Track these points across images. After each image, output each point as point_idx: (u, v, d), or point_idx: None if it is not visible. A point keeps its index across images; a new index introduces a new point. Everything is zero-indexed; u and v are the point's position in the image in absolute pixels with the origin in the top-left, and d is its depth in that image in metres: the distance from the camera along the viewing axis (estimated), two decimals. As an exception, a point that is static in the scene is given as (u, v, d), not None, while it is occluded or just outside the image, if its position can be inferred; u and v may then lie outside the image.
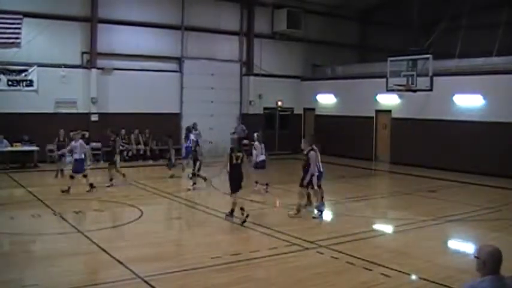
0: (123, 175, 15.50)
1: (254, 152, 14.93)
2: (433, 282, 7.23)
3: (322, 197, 11.87)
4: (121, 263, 7.84)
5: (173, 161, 17.36)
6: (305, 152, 11.57)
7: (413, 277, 7.66)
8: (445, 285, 7.09)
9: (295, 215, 11.28)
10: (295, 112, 26.31)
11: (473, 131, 18.63)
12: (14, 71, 19.02)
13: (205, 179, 15.00)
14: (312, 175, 11.31)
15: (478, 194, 15.39)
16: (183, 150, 17.30)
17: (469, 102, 19.09)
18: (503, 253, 3.70)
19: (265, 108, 25.18)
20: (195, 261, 8.09)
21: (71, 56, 20.24)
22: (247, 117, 24.38)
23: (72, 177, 13.80)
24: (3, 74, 18.83)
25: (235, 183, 10.85)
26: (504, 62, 18.55)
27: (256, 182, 14.56)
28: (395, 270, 7.74)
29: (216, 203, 12.76)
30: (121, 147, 20.66)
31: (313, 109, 25.81)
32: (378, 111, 22.80)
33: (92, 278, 7.61)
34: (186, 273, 7.54)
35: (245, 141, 16.49)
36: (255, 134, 15.39)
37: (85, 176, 14.15)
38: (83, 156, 14.08)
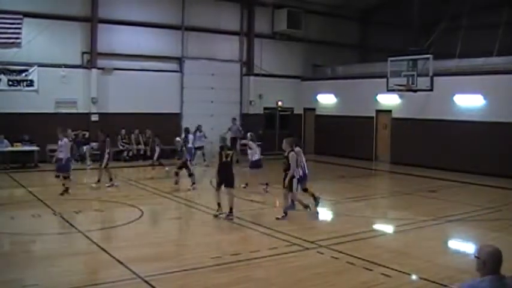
0: (110, 178, 15.33)
1: (249, 151, 14.94)
2: (434, 282, 7.23)
3: (313, 201, 11.87)
4: (121, 263, 7.84)
5: (154, 159, 17.39)
6: (285, 154, 11.28)
7: (414, 277, 7.66)
8: (445, 285, 7.09)
9: (282, 217, 11.06)
10: (295, 112, 26.31)
11: (474, 131, 18.62)
12: (14, 71, 19.02)
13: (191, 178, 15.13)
14: (293, 177, 11.02)
15: (478, 194, 15.38)
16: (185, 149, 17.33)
17: (469, 102, 19.08)
18: (503, 253, 3.70)
19: (265, 108, 25.18)
20: (195, 261, 8.09)
21: (71, 56, 20.25)
22: (247, 117, 24.40)
23: (57, 176, 13.53)
24: (4, 74, 18.84)
25: (223, 179, 11.15)
26: (504, 62, 18.54)
27: (246, 185, 14.70)
28: (396, 270, 7.74)
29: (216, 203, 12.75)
30: (121, 147, 20.78)
31: (314, 109, 25.81)
32: (378, 111, 22.80)
33: (92, 278, 7.61)
34: (186, 273, 7.54)
35: (244, 141, 16.51)
36: (248, 134, 15.40)
37: (66, 177, 13.61)
38: (68, 155, 13.75)
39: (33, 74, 19.32)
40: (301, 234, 9.80)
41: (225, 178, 11.14)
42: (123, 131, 20.73)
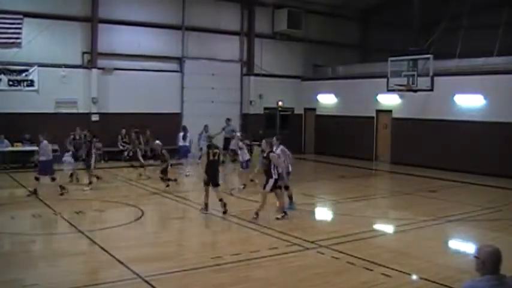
0: (97, 178, 15.24)
1: (239, 151, 14.96)
2: (434, 282, 7.23)
3: (290, 199, 11.93)
4: (121, 262, 7.84)
5: (141, 161, 17.20)
6: (264, 155, 11.06)
7: (414, 277, 7.66)
8: (446, 285, 7.09)
9: (282, 217, 11.00)
10: (295, 112, 26.31)
11: (474, 131, 18.62)
12: (14, 71, 19.02)
13: (175, 180, 15.08)
14: (270, 177, 10.79)
15: (479, 194, 15.38)
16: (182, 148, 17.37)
17: (469, 102, 19.08)
18: (503, 253, 3.70)
19: (265, 108, 25.17)
20: (195, 261, 8.09)
21: (71, 56, 20.25)
22: (247, 117, 24.41)
23: (36, 178, 13.33)
24: (4, 74, 18.84)
25: (211, 177, 11.40)
26: (505, 62, 18.54)
27: (245, 186, 14.75)
28: (396, 270, 7.74)
29: (216, 203, 12.74)
30: (121, 147, 20.76)
31: (314, 109, 25.81)
32: (378, 111, 22.80)
33: (92, 278, 7.61)
34: (186, 273, 7.55)
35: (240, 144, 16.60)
36: (237, 134, 15.40)
37: (53, 179, 13.53)
38: (50, 157, 13.63)
39: (34, 74, 19.32)
40: (301, 234, 9.80)
41: (212, 177, 11.42)
42: (123, 131, 20.72)
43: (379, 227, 11.44)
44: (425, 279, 7.40)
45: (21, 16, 18.61)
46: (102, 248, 8.66)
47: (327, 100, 25.10)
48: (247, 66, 24.73)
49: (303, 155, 25.18)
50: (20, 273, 7.46)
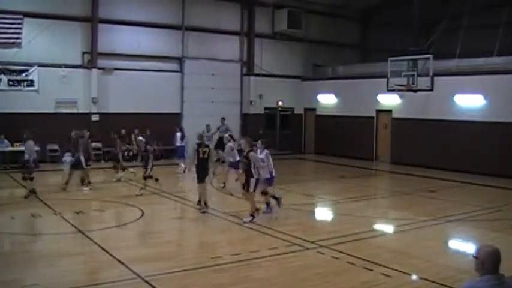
0: (88, 182, 15.12)
1: (231, 152, 14.92)
2: (434, 282, 7.23)
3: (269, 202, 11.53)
4: (121, 262, 7.84)
5: (121, 163, 16.81)
6: (244, 154, 10.90)
7: (414, 277, 7.66)
8: (446, 285, 7.09)
9: (250, 221, 10.67)
10: (295, 112, 26.31)
11: (474, 131, 18.62)
12: (14, 71, 19.03)
13: (156, 179, 14.40)
14: (251, 177, 10.63)
15: (479, 194, 15.38)
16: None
17: (469, 102, 19.08)
18: (503, 253, 3.70)
19: (265, 108, 25.18)
20: (195, 261, 8.10)
21: (71, 56, 20.26)
22: (247, 117, 24.40)
23: (24, 179, 13.32)
24: (4, 74, 18.85)
25: (199, 174, 11.78)
26: (505, 62, 18.55)
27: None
28: (396, 270, 7.74)
29: (216, 203, 12.77)
30: (122, 147, 20.70)
31: (314, 109, 25.81)
32: (378, 111, 22.80)
33: (92, 278, 7.61)
34: (186, 273, 7.55)
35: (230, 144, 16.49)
36: (227, 135, 15.37)
37: (31, 179, 13.35)
38: (34, 156, 13.55)
39: (34, 74, 19.33)
40: (301, 234, 9.80)
41: (200, 174, 11.74)
42: (123, 131, 20.67)
43: (379, 227, 11.44)
44: (425, 279, 7.40)
45: (21, 16, 18.62)
46: (102, 248, 8.65)
47: (327, 100, 25.10)
48: (247, 66, 24.73)
49: (303, 155, 25.19)
50: (20, 273, 7.46)
